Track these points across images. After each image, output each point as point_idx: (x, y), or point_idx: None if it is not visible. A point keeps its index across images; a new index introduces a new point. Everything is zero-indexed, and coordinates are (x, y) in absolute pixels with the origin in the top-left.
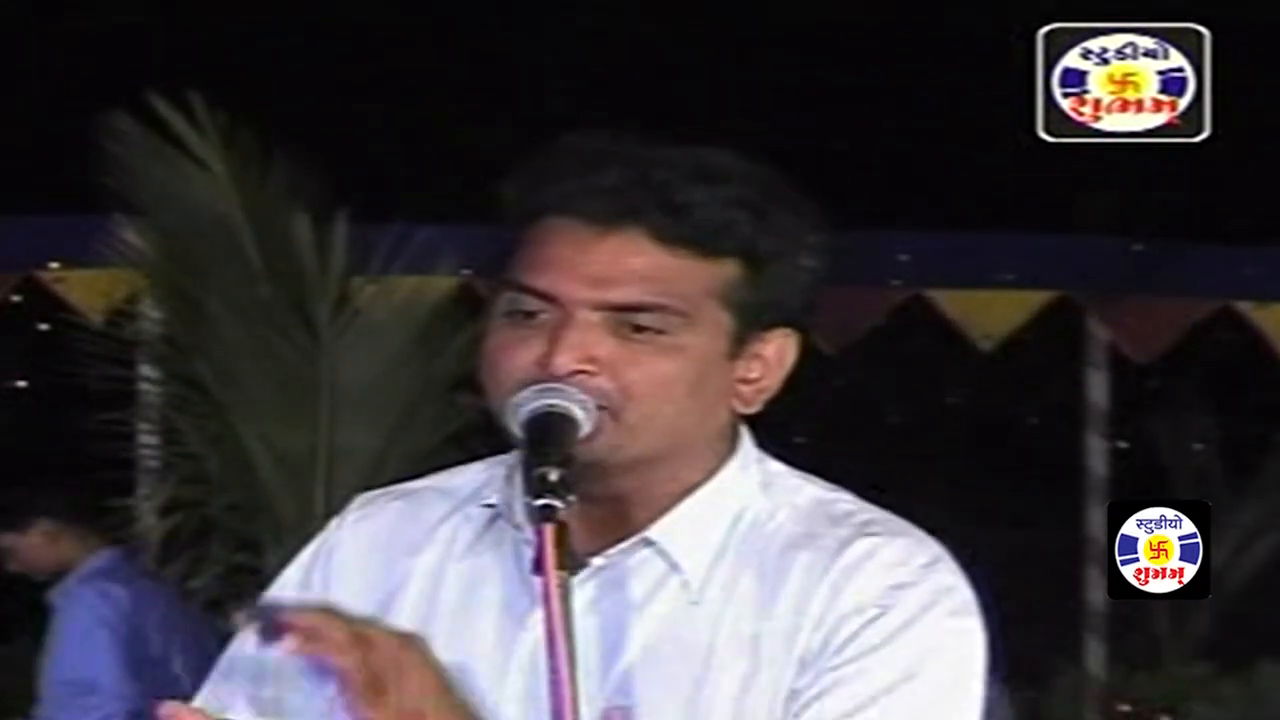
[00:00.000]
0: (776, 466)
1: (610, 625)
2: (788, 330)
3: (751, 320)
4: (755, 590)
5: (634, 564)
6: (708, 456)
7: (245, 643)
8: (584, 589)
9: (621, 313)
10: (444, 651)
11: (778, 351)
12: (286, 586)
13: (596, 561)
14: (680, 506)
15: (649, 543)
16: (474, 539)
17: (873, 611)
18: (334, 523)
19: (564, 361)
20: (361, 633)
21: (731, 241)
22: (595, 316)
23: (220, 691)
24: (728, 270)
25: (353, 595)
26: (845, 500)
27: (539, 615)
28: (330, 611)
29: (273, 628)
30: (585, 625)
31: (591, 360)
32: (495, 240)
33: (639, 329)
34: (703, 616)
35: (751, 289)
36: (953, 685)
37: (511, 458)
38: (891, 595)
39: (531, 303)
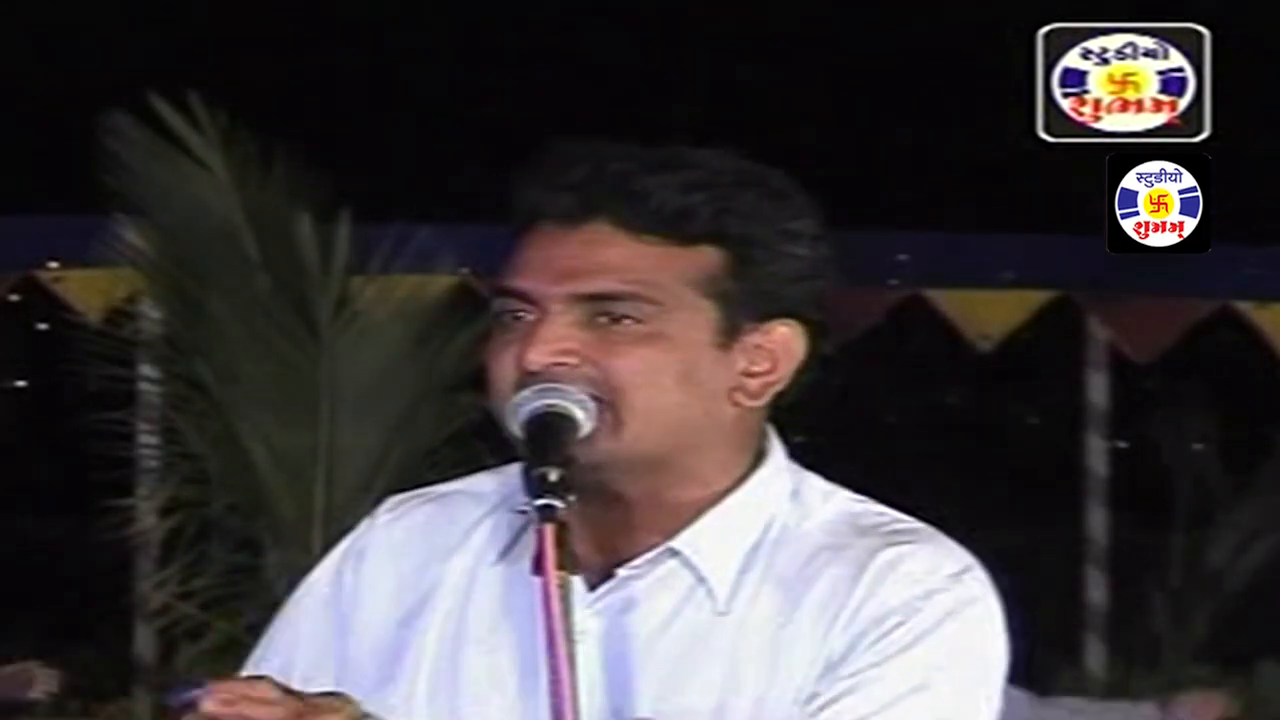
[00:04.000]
0: (807, 474)
1: (637, 636)
2: (790, 321)
3: (739, 310)
4: (779, 598)
5: (661, 574)
6: (730, 459)
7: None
8: (609, 600)
9: (593, 302)
10: (476, 658)
11: (782, 342)
12: (315, 587)
13: (621, 573)
14: (707, 516)
15: (674, 553)
16: (507, 545)
17: (896, 619)
18: (364, 524)
19: (536, 356)
20: (290, 689)
21: (696, 225)
22: (568, 309)
23: None
24: (705, 258)
25: (384, 597)
26: (874, 510)
27: (574, 624)
28: (264, 679)
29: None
30: (611, 637)
31: (567, 353)
32: (497, 250)
33: (614, 319)
34: (728, 626)
35: (734, 278)
36: (965, 696)
37: None
38: (916, 604)
39: (513, 305)
